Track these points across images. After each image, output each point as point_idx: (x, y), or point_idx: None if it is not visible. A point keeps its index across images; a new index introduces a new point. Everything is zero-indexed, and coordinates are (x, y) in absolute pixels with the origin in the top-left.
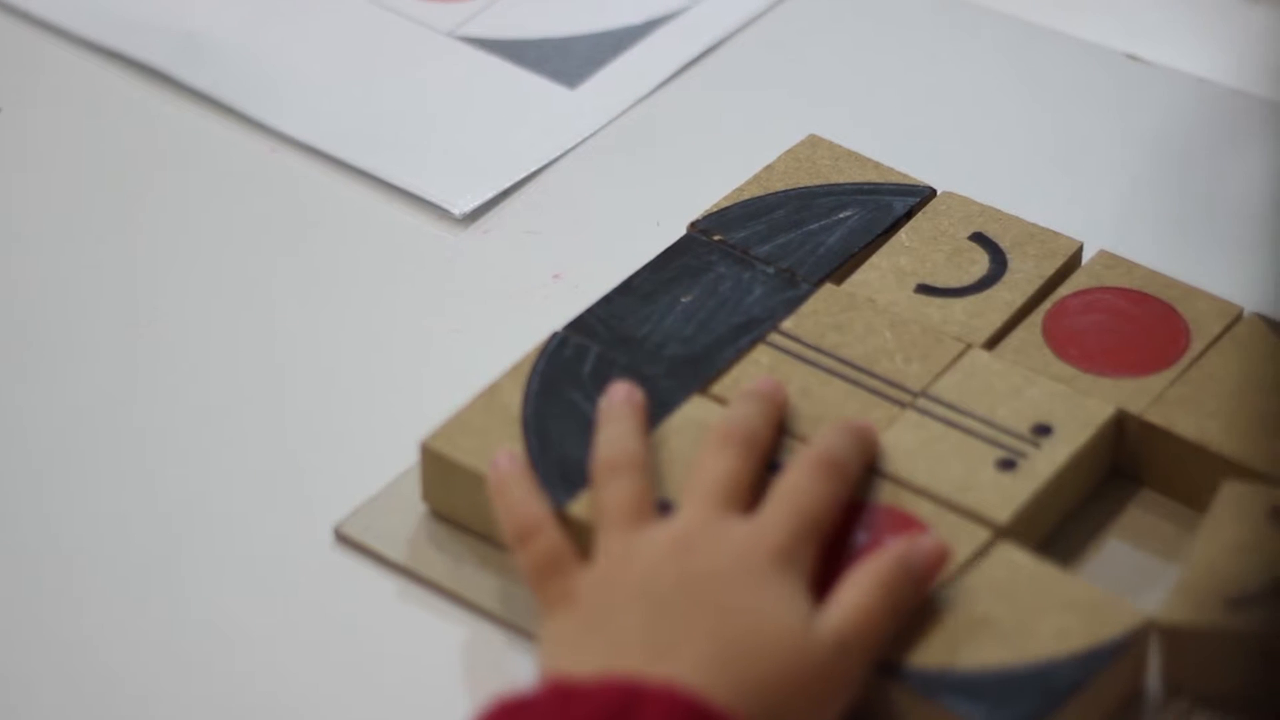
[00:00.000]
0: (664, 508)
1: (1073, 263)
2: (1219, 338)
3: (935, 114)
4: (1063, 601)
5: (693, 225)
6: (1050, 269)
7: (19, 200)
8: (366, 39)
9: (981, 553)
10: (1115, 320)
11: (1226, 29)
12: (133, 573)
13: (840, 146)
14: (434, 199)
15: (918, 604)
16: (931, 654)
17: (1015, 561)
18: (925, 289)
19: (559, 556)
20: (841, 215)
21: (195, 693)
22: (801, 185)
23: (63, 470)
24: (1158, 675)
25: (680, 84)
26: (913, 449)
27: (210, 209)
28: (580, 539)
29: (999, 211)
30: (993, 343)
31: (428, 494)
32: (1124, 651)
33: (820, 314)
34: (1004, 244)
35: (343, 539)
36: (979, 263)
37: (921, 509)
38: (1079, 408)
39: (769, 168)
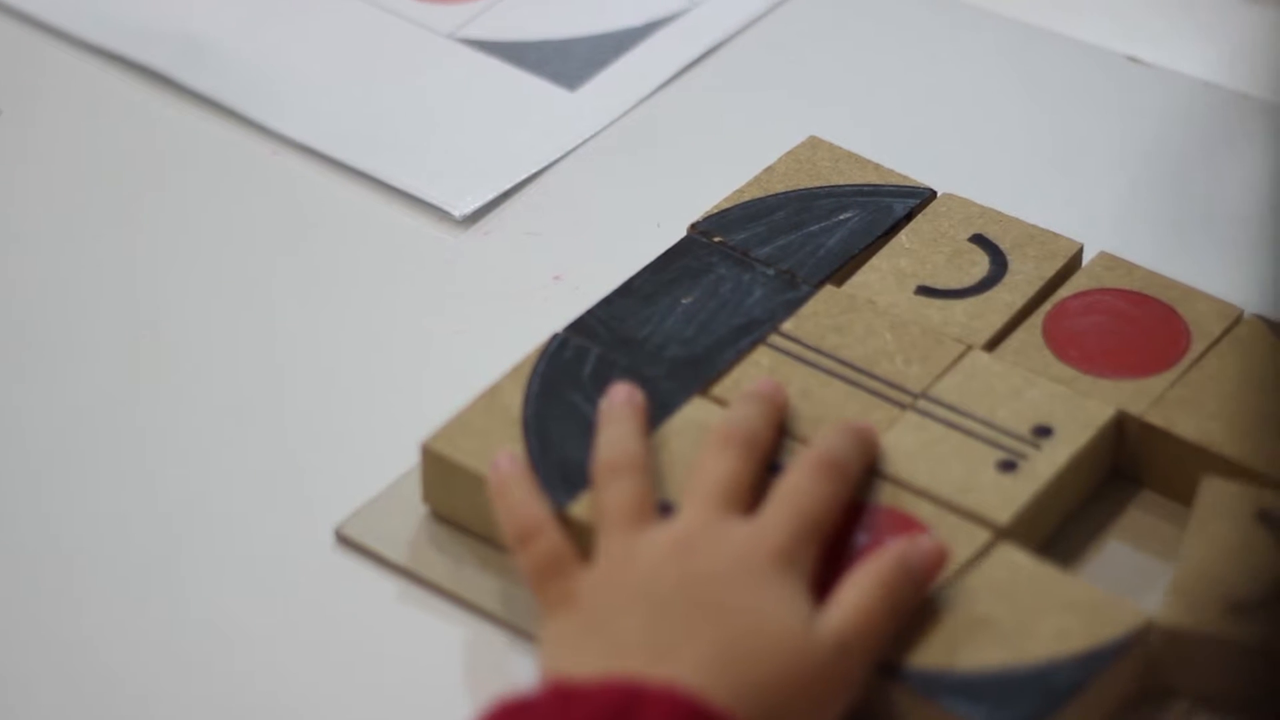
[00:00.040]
0: (665, 509)
1: (1073, 264)
2: (1219, 339)
3: (935, 116)
4: (1063, 602)
5: (693, 227)
6: (1050, 270)
7: (20, 202)
8: (367, 41)
9: (982, 554)
10: (1115, 322)
11: (1226, 31)
12: (133, 573)
13: (840, 148)
14: (434, 201)
15: (918, 604)
16: (932, 655)
17: (1015, 562)
18: (925, 290)
19: (559, 558)
20: (842, 217)
21: (195, 693)
22: (802, 187)
23: (63, 471)
24: (1157, 677)
25: (680, 86)
26: (913, 450)
27: (211, 211)
28: (581, 540)
29: (999, 213)
30: (993, 344)
31: (428, 495)
32: (1124, 652)
33: (820, 315)
34: (1004, 245)
35: (343, 540)
36: (979, 264)
37: (922, 510)
38: (1079, 409)
39: (769, 169)
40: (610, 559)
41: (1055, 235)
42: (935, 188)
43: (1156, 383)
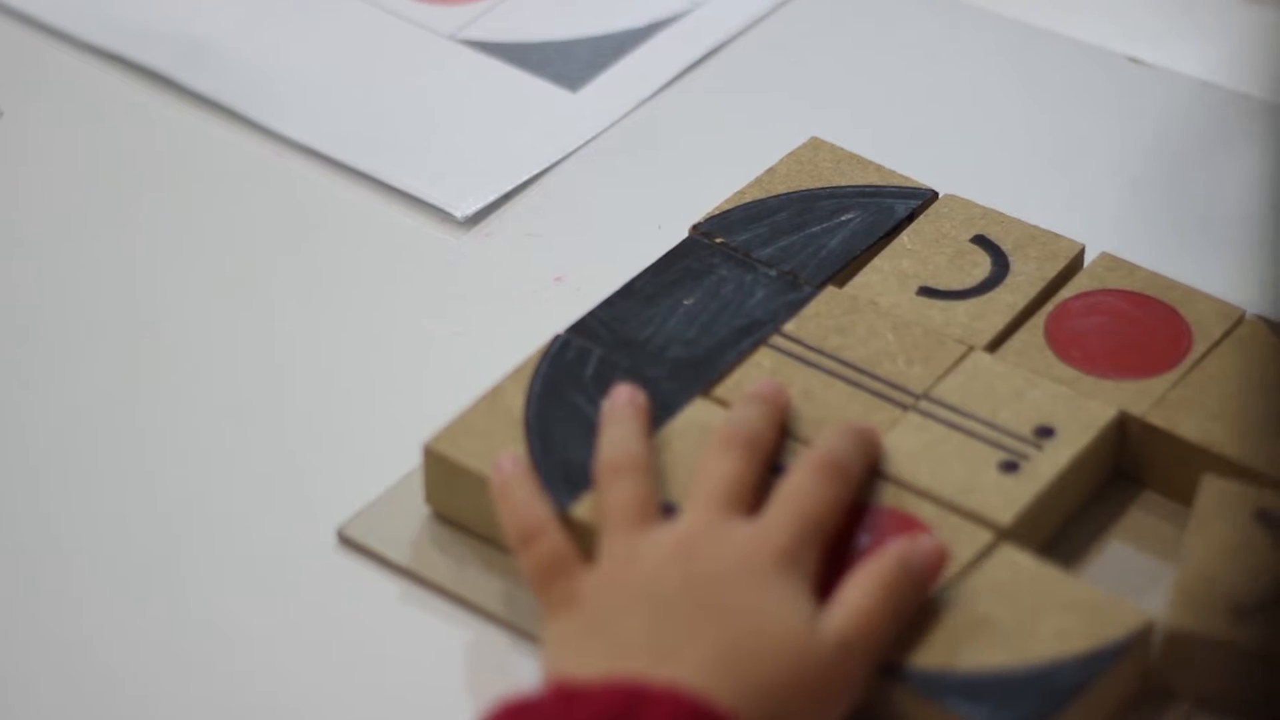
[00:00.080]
0: (667, 510)
1: (1075, 265)
2: (1221, 340)
3: (937, 116)
4: (1064, 603)
5: (695, 228)
6: (1052, 271)
7: (21, 203)
8: (368, 42)
9: (983, 554)
10: (1117, 322)
11: (1226, 32)
12: (134, 574)
13: (842, 149)
14: (436, 202)
15: (919, 605)
16: (933, 655)
17: (1017, 563)
18: (927, 291)
19: (562, 559)
20: (843, 218)
21: (196, 694)
22: (803, 188)
23: (65, 471)
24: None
25: (682, 87)
26: (915, 451)
27: (212, 212)
28: (583, 541)
29: (1001, 214)
30: (995, 345)
31: (430, 496)
32: (1126, 653)
33: (822, 316)
34: (1006, 246)
35: (345, 541)
36: (981, 265)
37: (924, 511)
38: (1081, 410)
39: (771, 170)
40: (613, 559)
41: (1057, 236)
42: (937, 189)
43: (1158, 383)
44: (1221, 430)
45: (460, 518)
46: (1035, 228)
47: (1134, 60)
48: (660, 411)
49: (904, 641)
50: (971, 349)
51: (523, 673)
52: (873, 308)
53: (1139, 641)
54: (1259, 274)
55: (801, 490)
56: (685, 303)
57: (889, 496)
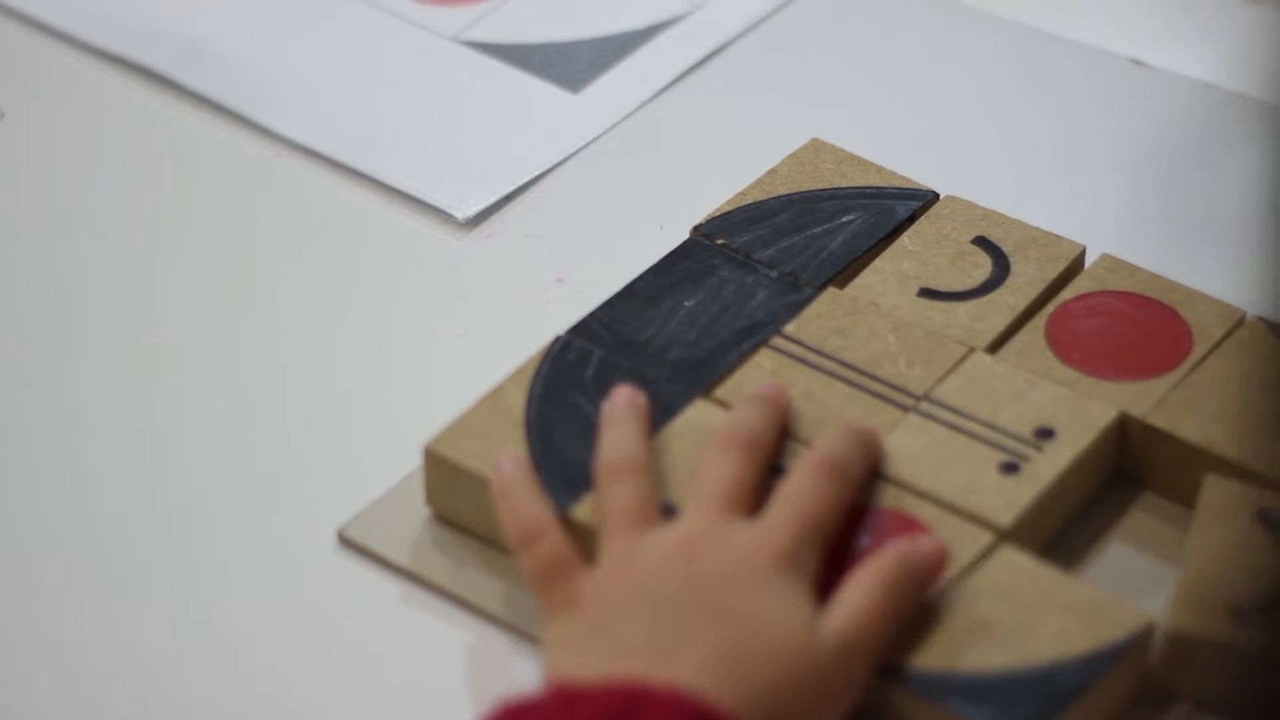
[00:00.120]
0: (667, 511)
1: (1075, 266)
2: (1221, 341)
3: (938, 118)
4: (1065, 604)
5: (696, 229)
6: (1053, 273)
7: (22, 203)
8: (370, 44)
9: (984, 556)
10: (1118, 324)
11: (1227, 33)
12: (135, 575)
13: (843, 150)
14: (437, 203)
15: (919, 605)
16: (934, 657)
17: (1017, 564)
18: (928, 293)
19: (562, 560)
20: (844, 219)
21: (196, 695)
22: (804, 189)
23: (65, 472)
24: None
25: (683, 88)
26: (915, 452)
27: (214, 213)
28: (583, 542)
29: (1002, 215)
30: (995, 346)
31: (431, 497)
32: (1126, 654)
33: (823, 318)
34: (1007, 248)
35: (346, 542)
36: (982, 266)
37: (924, 512)
38: (1081, 411)
39: (772, 171)
40: (613, 561)
41: (1058, 237)
42: (938, 190)
43: (1159, 385)
44: (1222, 431)
45: (461, 519)
46: (1036, 229)
47: (1135, 62)
48: (661, 413)
49: (905, 643)
50: (972, 350)
51: (523, 674)
52: (873, 309)
53: (1139, 643)
54: (1259, 275)
55: (802, 491)
56: (686, 304)
57: (889, 498)
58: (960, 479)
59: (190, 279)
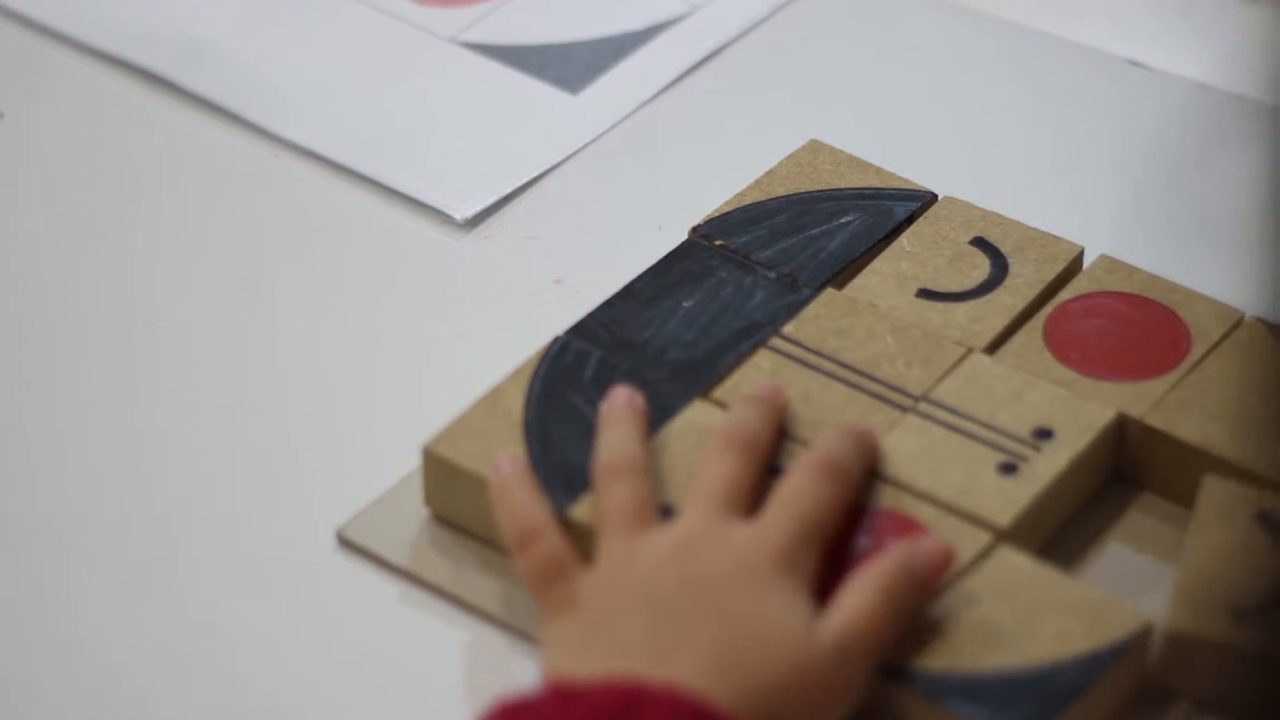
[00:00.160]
0: (666, 512)
1: (1074, 267)
2: (1220, 342)
3: (936, 119)
4: (1064, 604)
5: (694, 230)
6: (1051, 273)
7: (22, 204)
8: (369, 45)
9: (983, 556)
10: (1116, 324)
11: (1224, 34)
12: (133, 574)
13: (841, 151)
14: (436, 204)
15: (921, 607)
16: (933, 657)
17: (1016, 565)
18: (926, 293)
19: (560, 561)
20: (843, 220)
21: (196, 695)
22: (803, 190)
23: (65, 472)
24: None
25: (682, 89)
26: (914, 453)
27: (213, 214)
28: (582, 542)
29: (1000, 216)
30: (994, 347)
31: (430, 498)
32: (1125, 654)
33: (821, 319)
34: (1005, 249)
35: (345, 542)
36: (980, 267)
37: (923, 513)
38: (1080, 411)
39: (770, 173)
40: (611, 561)
41: (1056, 238)
42: (936, 191)
43: (1157, 385)
44: (1220, 432)
45: (459, 519)
46: (1034, 230)
47: (1132, 63)
48: (659, 413)
49: (904, 643)
50: (970, 351)
51: (522, 674)
52: (872, 310)
53: (1138, 643)
54: (1258, 275)
55: (800, 492)
56: (685, 305)
57: (888, 498)
58: (959, 479)
59: (190, 280)
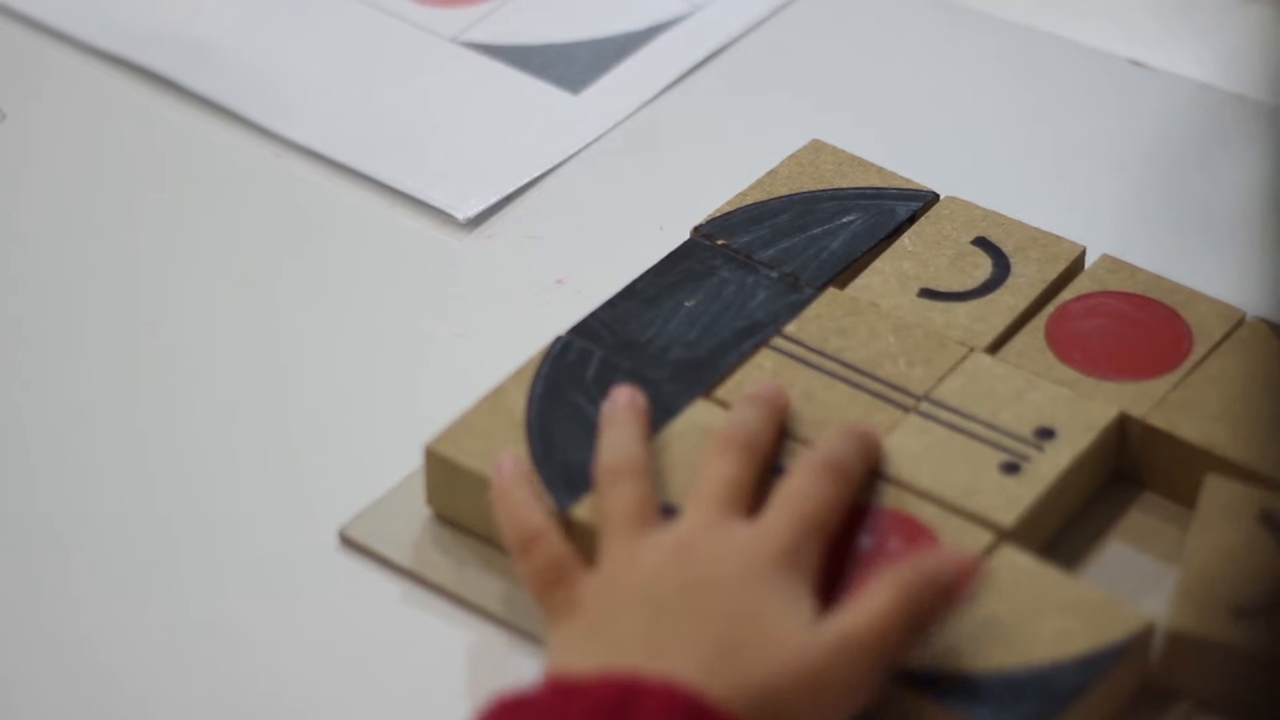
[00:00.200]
0: (668, 512)
1: (1076, 267)
2: (1221, 342)
3: (938, 119)
4: (1065, 604)
5: (696, 230)
6: (1053, 273)
7: (23, 204)
8: (370, 45)
9: (985, 555)
10: (1118, 324)
11: (1225, 34)
12: (135, 574)
13: (843, 151)
14: (438, 204)
15: (943, 617)
16: (934, 657)
17: (1018, 564)
18: (928, 293)
19: (561, 565)
20: (845, 220)
21: (197, 694)
22: (805, 190)
23: (67, 473)
24: (1159, 679)
25: (683, 89)
26: (916, 453)
27: (214, 214)
28: (583, 542)
29: (1002, 216)
30: (996, 347)
31: (432, 497)
32: (1126, 654)
33: (823, 318)
34: (1007, 248)
35: (347, 542)
36: (982, 267)
37: (925, 513)
38: (1081, 411)
39: (772, 172)
40: (613, 562)
41: (1058, 238)
42: (938, 190)
43: (1159, 385)
44: (1222, 432)
45: (461, 519)
46: (1036, 230)
47: (1134, 63)
48: (661, 413)
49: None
50: (972, 350)
51: (524, 673)
52: (874, 309)
53: (1140, 643)
54: (1259, 275)
55: (800, 491)
56: (686, 304)
57: (890, 498)
58: (962, 479)
59: (191, 280)
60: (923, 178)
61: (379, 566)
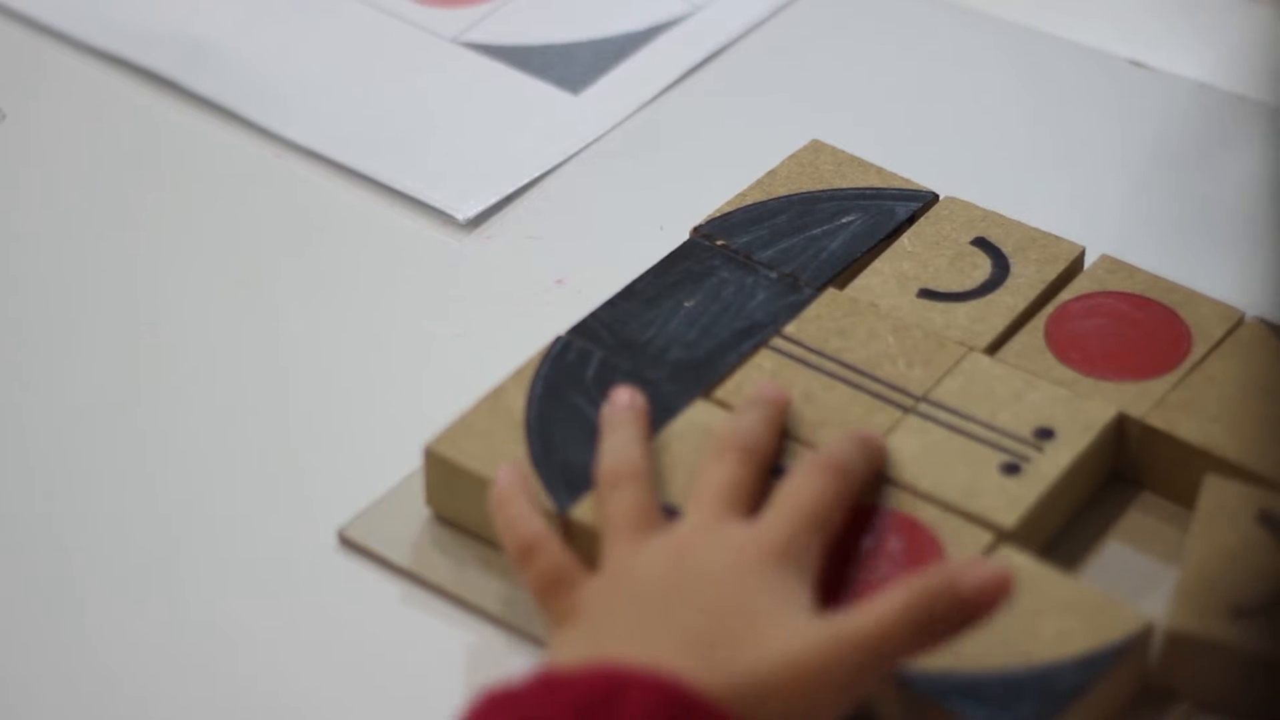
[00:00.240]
0: (669, 514)
1: (1075, 267)
2: (1221, 342)
3: (937, 119)
4: (1064, 604)
5: (696, 230)
6: (1052, 274)
7: (23, 205)
8: (371, 45)
9: (985, 556)
10: (1117, 324)
11: (1226, 35)
12: (135, 574)
13: (843, 151)
14: (438, 204)
15: (964, 628)
16: (934, 657)
17: (1017, 564)
18: (927, 294)
19: (561, 572)
20: (844, 220)
21: (197, 695)
22: (804, 190)
23: (66, 473)
24: (1159, 679)
25: (683, 89)
26: (916, 454)
27: (214, 214)
28: (584, 543)
29: (1001, 216)
30: (995, 347)
31: (431, 498)
32: (1125, 655)
33: (823, 319)
34: (1006, 249)
35: (346, 542)
36: (981, 267)
37: (925, 513)
38: (1080, 411)
39: (772, 173)
40: (613, 566)
41: (1057, 238)
42: (937, 191)
43: (1158, 385)
44: (1221, 432)
45: (461, 519)
46: (1035, 230)
47: (1134, 63)
48: (661, 413)
49: None
50: (971, 351)
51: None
52: (873, 310)
53: (1139, 643)
54: (1259, 276)
55: (798, 488)
56: (686, 305)
57: (890, 499)
58: (962, 480)
59: (191, 280)
60: (922, 178)
61: (378, 567)
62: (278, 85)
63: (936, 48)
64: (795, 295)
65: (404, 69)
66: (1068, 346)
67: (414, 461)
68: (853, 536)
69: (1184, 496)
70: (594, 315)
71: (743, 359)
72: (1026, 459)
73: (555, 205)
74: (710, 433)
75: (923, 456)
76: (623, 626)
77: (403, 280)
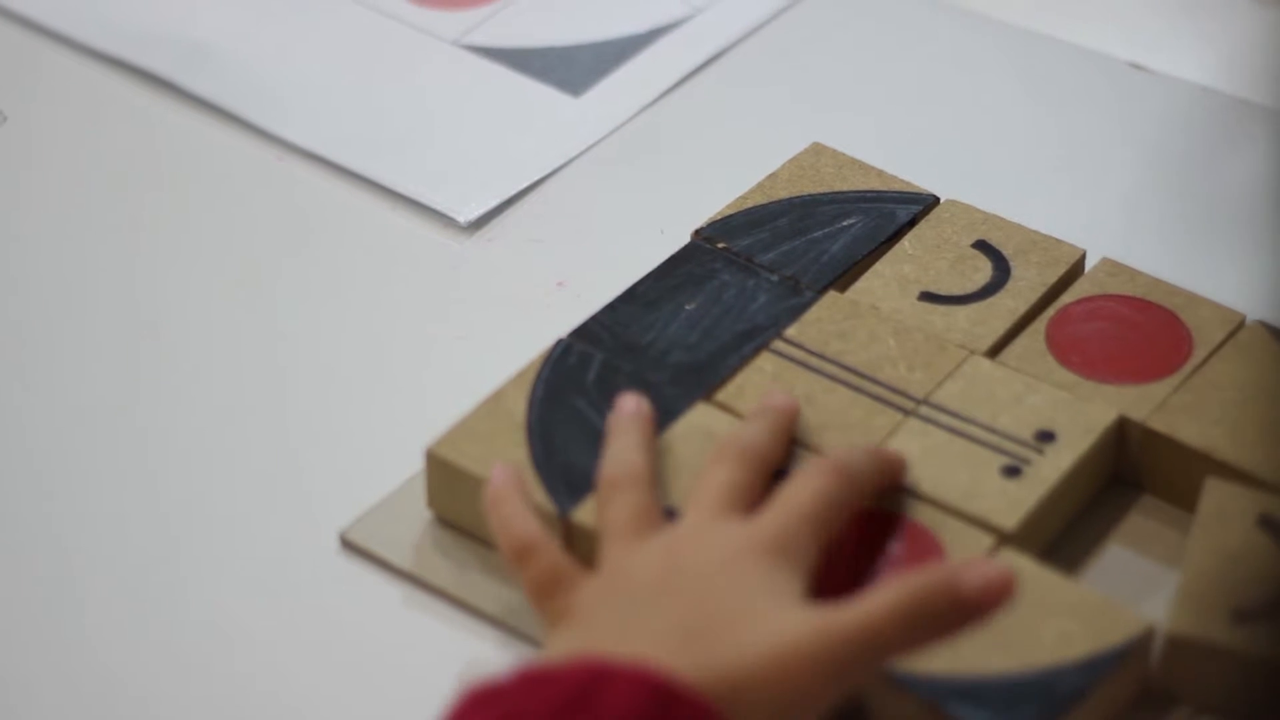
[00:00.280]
0: (670, 516)
1: (1076, 270)
2: (1222, 345)
3: (938, 122)
4: (1066, 608)
5: (697, 233)
6: (1053, 276)
7: (24, 206)
8: (371, 47)
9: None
10: (1118, 327)
11: (1227, 37)
12: (136, 576)
13: (844, 154)
14: (439, 207)
15: (963, 628)
16: (934, 659)
17: (1018, 567)
18: (928, 296)
19: (557, 574)
20: (845, 223)
21: (197, 696)
22: (805, 193)
23: (67, 474)
24: (1159, 682)
25: (684, 92)
26: (917, 456)
27: (214, 216)
28: (584, 545)
29: (1002, 219)
30: (996, 350)
31: (433, 500)
32: (1126, 658)
33: (824, 321)
34: (1007, 252)
35: (348, 545)
36: (982, 270)
37: (927, 516)
38: (1081, 414)
39: (773, 175)
40: (609, 566)
41: (1058, 241)
42: (938, 194)
43: (1159, 388)
44: (1222, 435)
45: (462, 522)
46: (1036, 233)
47: (1135, 66)
48: (662, 416)
49: None
50: (972, 354)
51: None
52: (874, 313)
53: (1140, 646)
54: (1260, 279)
55: (797, 487)
56: (687, 307)
57: (892, 502)
58: (963, 483)
59: (192, 282)
60: (923, 181)
61: (379, 569)
62: (278, 87)
63: (937, 50)
64: (796, 298)
65: (404, 71)
66: (1069, 349)
67: (415, 464)
68: (853, 539)
69: (1185, 500)
70: (595, 318)
71: (744, 362)
72: (1027, 462)
73: (556, 208)
74: (712, 436)
75: (923, 459)
76: (614, 624)
77: (403, 283)
